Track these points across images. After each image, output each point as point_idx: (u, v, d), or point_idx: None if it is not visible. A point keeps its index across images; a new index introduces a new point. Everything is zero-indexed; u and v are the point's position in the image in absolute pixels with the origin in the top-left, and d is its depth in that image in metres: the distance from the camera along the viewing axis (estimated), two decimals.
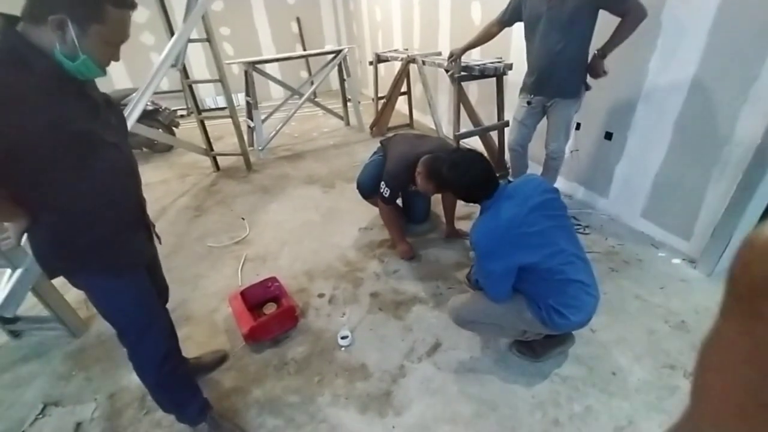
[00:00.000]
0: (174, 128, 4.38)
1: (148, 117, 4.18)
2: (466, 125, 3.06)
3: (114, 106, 1.08)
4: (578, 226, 2.52)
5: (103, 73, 0.93)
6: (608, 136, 2.49)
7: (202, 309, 2.06)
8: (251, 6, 6.12)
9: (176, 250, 2.61)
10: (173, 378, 1.30)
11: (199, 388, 1.41)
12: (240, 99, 6.54)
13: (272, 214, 3.00)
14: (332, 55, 4.27)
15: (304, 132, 4.91)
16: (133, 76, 5.70)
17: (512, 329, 1.53)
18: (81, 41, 0.84)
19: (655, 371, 1.56)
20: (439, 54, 3.68)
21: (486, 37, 2.47)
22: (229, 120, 3.48)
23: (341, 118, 4.92)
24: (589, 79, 2.20)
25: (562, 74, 2.14)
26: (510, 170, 2.82)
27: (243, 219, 2.92)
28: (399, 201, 2.45)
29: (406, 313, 1.95)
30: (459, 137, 2.91)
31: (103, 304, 1.13)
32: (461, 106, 2.87)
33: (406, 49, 4.10)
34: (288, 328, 1.86)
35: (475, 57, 3.17)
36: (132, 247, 1.13)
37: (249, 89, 3.85)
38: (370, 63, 4.08)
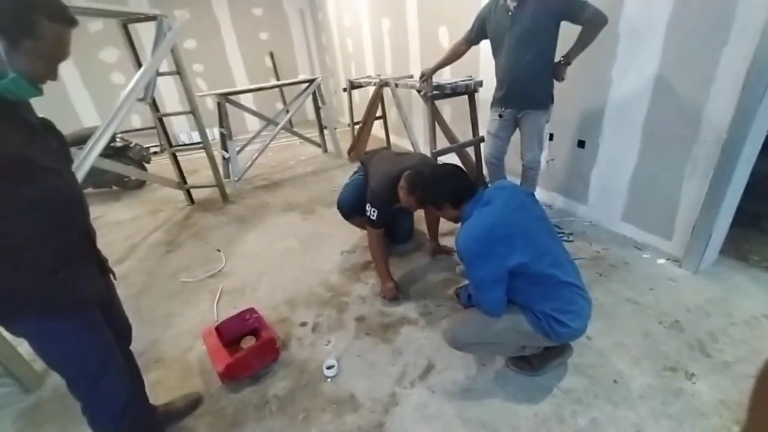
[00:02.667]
0: (145, 164, 4.26)
1: (118, 154, 4.07)
2: (442, 143, 3.09)
3: (54, 130, 1.00)
4: (561, 234, 2.51)
5: (39, 92, 0.85)
6: (581, 144, 2.54)
7: (174, 349, 1.90)
8: (224, 43, 6.21)
9: (146, 289, 2.45)
10: (136, 426, 1.15)
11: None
12: (215, 133, 6.56)
13: (250, 244, 2.88)
14: (306, 85, 4.31)
15: (281, 161, 4.86)
16: (102, 114, 5.59)
17: (512, 346, 1.46)
18: (11, 57, 0.78)
19: (657, 375, 1.49)
20: (411, 77, 3.76)
21: (454, 56, 2.53)
22: (204, 153, 3.40)
23: (319, 145, 4.92)
24: (555, 88, 2.26)
25: (530, 86, 2.19)
26: (489, 184, 2.82)
27: (219, 251, 2.79)
28: None
29: (394, 335, 1.84)
30: (436, 155, 2.91)
31: (48, 351, 1.00)
32: (436, 124, 2.90)
33: (379, 75, 4.19)
34: (268, 362, 1.72)
35: (446, 77, 3.25)
36: (78, 284, 1.00)
37: (222, 121, 3.81)
38: (344, 89, 4.13)
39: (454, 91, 2.72)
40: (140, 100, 3.22)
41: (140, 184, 4.40)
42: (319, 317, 2.02)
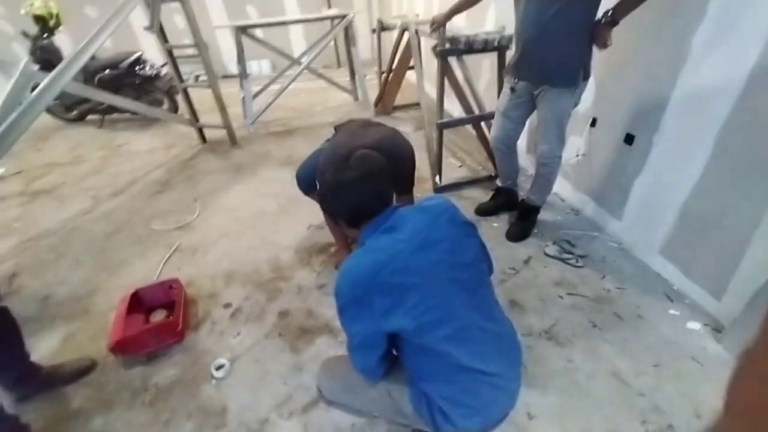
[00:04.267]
0: (174, 95, 4.25)
1: (147, 82, 4.10)
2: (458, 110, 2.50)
3: None
4: (569, 256, 1.94)
5: None
6: (629, 139, 1.83)
7: (104, 304, 1.88)
8: None
9: (119, 229, 2.47)
10: None
11: (6, 417, 1.20)
12: (262, 66, 6.37)
13: (230, 198, 2.74)
14: (337, 21, 3.79)
15: (308, 106, 4.55)
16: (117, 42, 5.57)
17: (394, 418, 1.12)
18: None
19: None
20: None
21: (472, 1, 1.88)
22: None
23: (350, 92, 4.47)
24: (595, 58, 1.57)
25: (553, 51, 1.56)
26: (498, 174, 2.26)
27: (195, 201, 2.70)
28: None
29: (306, 345, 1.59)
30: (442, 126, 2.38)
31: None
32: (446, 87, 2.31)
33: (417, 15, 3.50)
34: (168, 343, 1.61)
35: (484, 28, 2.55)
36: None
37: (238, 57, 3.55)
38: (373, 31, 3.55)
39: (471, 47, 2.08)
40: (147, 28, 3.07)
41: (176, 111, 4.44)
42: (246, 301, 1.84)
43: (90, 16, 5.47)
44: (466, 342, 0.94)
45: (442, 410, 0.95)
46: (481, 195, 2.51)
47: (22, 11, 3.81)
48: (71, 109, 4.34)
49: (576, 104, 1.72)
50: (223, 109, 3.39)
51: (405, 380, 1.03)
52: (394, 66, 3.34)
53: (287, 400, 1.38)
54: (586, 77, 1.65)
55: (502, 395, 0.99)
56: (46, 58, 3.73)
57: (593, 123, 2.04)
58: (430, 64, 2.38)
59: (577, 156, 2.12)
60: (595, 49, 1.59)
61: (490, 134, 2.04)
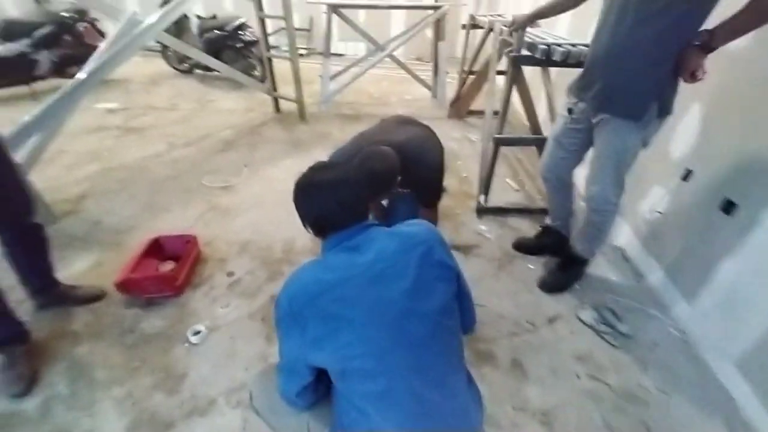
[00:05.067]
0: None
1: (246, 47, 4.38)
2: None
3: None
4: (607, 329, 1.58)
5: None
6: (728, 206, 1.41)
7: (135, 242, 2.02)
8: None
9: (177, 177, 2.68)
10: None
11: (8, 321, 1.35)
12: (360, 48, 6.44)
13: (276, 171, 2.81)
14: (431, 12, 3.61)
15: (385, 94, 4.48)
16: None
17: None
18: None
19: None
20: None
21: (566, 3, 1.58)
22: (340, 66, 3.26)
23: (429, 88, 4.29)
24: (682, 85, 1.22)
25: (622, 73, 1.26)
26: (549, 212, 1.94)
27: (245, 166, 2.81)
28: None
29: None
30: (499, 142, 2.11)
31: None
32: (511, 98, 2.02)
33: (501, 15, 3.16)
34: (165, 294, 1.68)
35: (560, 33, 2.18)
36: None
37: (326, 35, 3.59)
38: (463, 27, 3.29)
39: (547, 56, 1.77)
40: None
41: (263, 80, 4.72)
42: (248, 275, 1.85)
43: None
44: (393, 408, 0.78)
45: None
46: (529, 228, 2.20)
47: None
48: (183, 62, 4.85)
49: (645, 145, 1.36)
50: (298, 83, 3.48)
51: (328, 422, 0.91)
52: (475, 67, 3.08)
53: (240, 389, 1.34)
54: (663, 113, 1.30)
55: None
56: None
57: (686, 176, 1.62)
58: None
59: (656, 212, 1.72)
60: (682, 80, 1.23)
61: (540, 161, 1.75)
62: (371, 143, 1.51)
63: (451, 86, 4.07)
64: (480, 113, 3.75)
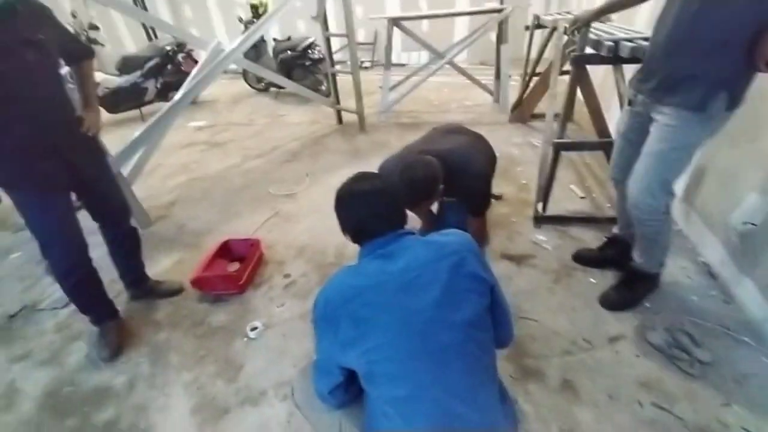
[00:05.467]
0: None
1: (314, 64, 4.69)
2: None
3: (39, 44, 1.23)
4: (683, 354, 1.38)
5: None
6: None
7: (210, 243, 2.29)
8: None
9: (248, 186, 2.96)
10: (77, 289, 1.54)
11: (104, 302, 1.65)
12: (420, 57, 6.50)
13: (335, 179, 2.91)
14: (492, 16, 3.52)
15: (445, 101, 4.45)
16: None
17: None
18: None
19: None
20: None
21: None
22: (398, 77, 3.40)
23: (491, 93, 4.16)
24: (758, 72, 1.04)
25: (685, 61, 1.11)
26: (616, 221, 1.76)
27: (307, 175, 3.00)
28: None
29: None
30: (559, 147, 1.98)
31: (20, 214, 1.39)
32: (575, 99, 1.88)
33: (568, 13, 2.93)
34: (230, 292, 1.87)
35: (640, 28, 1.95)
36: (30, 171, 1.30)
37: (386, 47, 3.70)
38: (527, 28, 3.14)
39: (615, 54, 1.62)
40: (314, 18, 3.48)
41: (328, 94, 5.02)
42: (302, 277, 1.98)
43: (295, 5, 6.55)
44: (416, 415, 0.79)
45: None
46: (592, 239, 2.02)
47: None
48: (259, 81, 5.36)
49: (709, 135, 1.20)
50: (358, 96, 3.63)
51: (361, 423, 0.93)
52: (538, 69, 2.92)
53: (288, 384, 1.44)
54: (734, 105, 1.12)
55: None
56: None
57: None
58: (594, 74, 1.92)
59: (750, 223, 1.46)
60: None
61: (610, 162, 1.59)
62: (416, 153, 1.53)
63: (514, 90, 3.91)
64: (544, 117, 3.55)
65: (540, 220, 2.17)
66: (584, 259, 1.87)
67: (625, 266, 1.61)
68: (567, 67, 2.27)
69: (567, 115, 1.89)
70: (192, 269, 1.91)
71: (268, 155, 3.49)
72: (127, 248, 1.77)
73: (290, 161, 3.33)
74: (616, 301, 1.60)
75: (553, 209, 2.24)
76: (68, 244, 1.46)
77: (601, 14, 1.62)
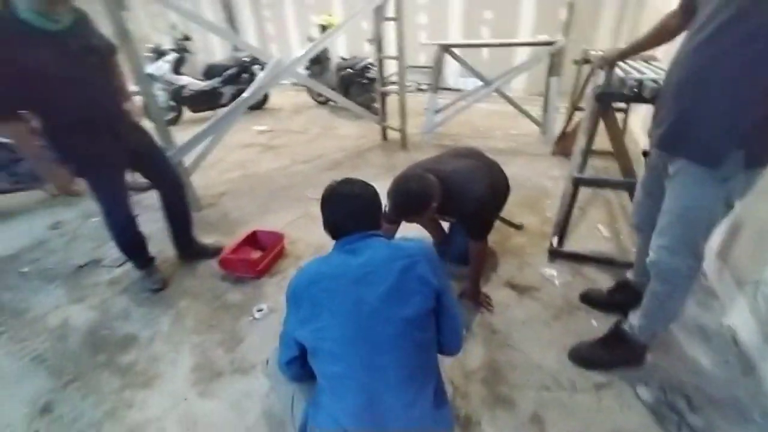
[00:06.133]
0: (385, 96, 5.01)
1: (371, 83, 4.98)
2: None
3: (92, 48, 1.55)
4: (672, 415, 1.30)
5: (51, 24, 1.38)
6: None
7: (245, 232, 2.57)
8: None
9: (290, 187, 3.24)
10: (128, 245, 1.95)
11: (145, 254, 2.02)
12: (467, 83, 6.56)
13: None
14: (544, 48, 3.54)
15: (489, 129, 4.47)
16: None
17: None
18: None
19: None
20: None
21: (660, 34, 1.44)
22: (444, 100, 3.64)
23: (538, 124, 4.12)
24: None
25: (698, 104, 1.07)
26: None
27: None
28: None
29: None
30: (578, 182, 1.96)
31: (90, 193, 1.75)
32: (594, 135, 1.85)
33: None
34: (248, 275, 2.09)
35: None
36: (89, 157, 1.64)
37: (435, 71, 3.86)
38: (575, 62, 3.09)
39: (638, 94, 1.60)
40: (370, 41, 3.76)
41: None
42: None
43: (362, 27, 7.04)
44: (345, 394, 0.90)
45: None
46: (607, 282, 1.94)
47: (315, 19, 5.34)
48: (320, 94, 5.80)
49: (729, 204, 1.10)
50: (403, 114, 3.81)
51: (310, 397, 1.05)
52: (582, 104, 2.88)
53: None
54: (755, 164, 1.04)
55: None
56: (316, 58, 5.13)
57: None
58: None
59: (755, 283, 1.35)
60: None
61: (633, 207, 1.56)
62: (422, 170, 1.64)
63: (561, 123, 3.84)
64: (593, 152, 3.43)
65: (555, 254, 2.13)
66: (591, 300, 1.81)
67: (615, 324, 1.51)
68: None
69: (587, 150, 1.87)
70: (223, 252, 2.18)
71: (313, 162, 3.78)
72: (180, 216, 2.13)
73: (331, 169, 3.58)
74: (586, 357, 1.51)
75: (572, 246, 2.19)
76: (122, 212, 1.81)
77: (627, 54, 1.62)
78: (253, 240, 2.34)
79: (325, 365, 0.93)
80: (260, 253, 2.21)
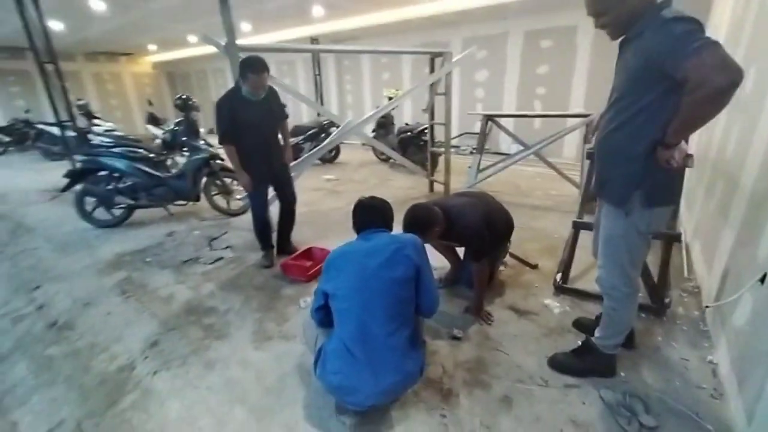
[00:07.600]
0: (437, 156, 5.69)
1: (426, 145, 5.74)
2: None
3: (272, 112, 2.57)
4: (627, 414, 1.50)
5: (255, 97, 2.38)
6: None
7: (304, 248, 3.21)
8: (575, 68, 6.28)
9: (342, 223, 3.83)
10: (259, 232, 2.81)
11: (269, 242, 2.89)
12: (511, 148, 7.01)
13: None
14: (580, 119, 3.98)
15: (530, 189, 4.83)
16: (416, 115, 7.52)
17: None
18: (243, 85, 2.30)
19: None
20: None
21: None
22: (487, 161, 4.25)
23: (577, 186, 4.40)
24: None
25: (606, 166, 1.49)
26: None
27: None
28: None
29: None
30: (578, 226, 2.29)
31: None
32: (590, 183, 2.20)
33: None
34: (300, 278, 2.68)
35: None
36: (254, 173, 2.57)
37: (480, 136, 4.46)
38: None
39: None
40: (424, 110, 4.54)
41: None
42: None
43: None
44: (346, 321, 1.38)
45: (324, 361, 1.41)
46: None
47: (385, 92, 6.41)
48: (382, 153, 6.70)
49: (640, 232, 1.44)
50: (447, 171, 4.40)
51: (320, 333, 1.54)
52: None
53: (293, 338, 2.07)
54: (651, 203, 1.38)
55: (360, 383, 1.31)
56: (382, 122, 6.10)
57: (763, 279, 1.47)
58: None
59: (706, 308, 1.55)
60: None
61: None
62: (432, 204, 2.14)
63: None
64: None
65: (560, 289, 2.40)
66: (581, 325, 2.05)
67: (586, 337, 1.79)
68: None
69: (585, 199, 2.22)
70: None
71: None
72: (288, 220, 3.00)
73: None
74: (561, 362, 1.77)
75: (579, 284, 2.44)
76: (262, 211, 2.77)
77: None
78: (308, 254, 2.95)
79: (337, 303, 1.42)
80: (310, 263, 2.81)
